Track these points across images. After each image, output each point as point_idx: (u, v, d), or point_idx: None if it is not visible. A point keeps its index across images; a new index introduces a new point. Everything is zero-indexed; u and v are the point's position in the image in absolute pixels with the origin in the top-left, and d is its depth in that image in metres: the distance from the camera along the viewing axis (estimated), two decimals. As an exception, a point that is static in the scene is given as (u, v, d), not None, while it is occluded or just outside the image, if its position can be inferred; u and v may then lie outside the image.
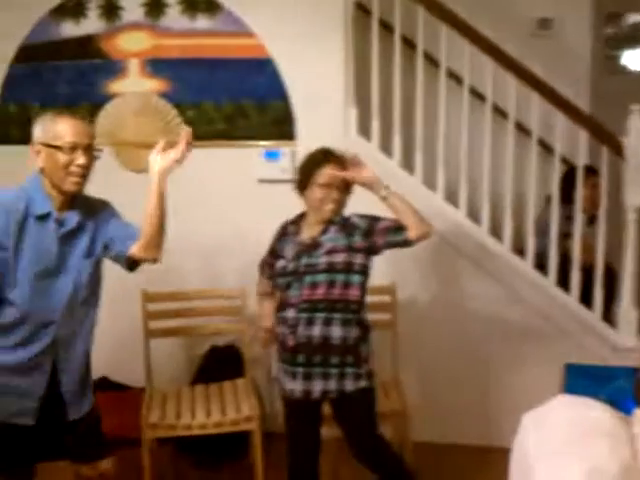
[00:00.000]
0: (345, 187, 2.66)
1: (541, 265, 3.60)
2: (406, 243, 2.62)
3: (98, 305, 2.45)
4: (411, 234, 2.57)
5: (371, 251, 2.66)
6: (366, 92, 3.65)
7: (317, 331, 2.58)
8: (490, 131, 3.58)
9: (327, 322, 2.58)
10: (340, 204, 2.67)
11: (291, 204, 3.68)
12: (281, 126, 3.67)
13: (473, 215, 3.67)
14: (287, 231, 2.78)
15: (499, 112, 3.85)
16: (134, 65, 3.77)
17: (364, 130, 3.65)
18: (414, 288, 3.63)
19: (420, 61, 3.59)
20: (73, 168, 2.22)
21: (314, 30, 3.56)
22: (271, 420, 3.56)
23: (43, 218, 2.25)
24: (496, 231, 3.67)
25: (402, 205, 2.59)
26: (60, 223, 2.28)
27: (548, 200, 3.80)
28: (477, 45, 3.48)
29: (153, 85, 3.78)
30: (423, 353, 3.69)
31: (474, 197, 3.69)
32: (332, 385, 2.61)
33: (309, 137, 3.64)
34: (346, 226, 2.66)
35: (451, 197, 3.66)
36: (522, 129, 3.82)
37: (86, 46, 3.80)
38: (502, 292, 3.59)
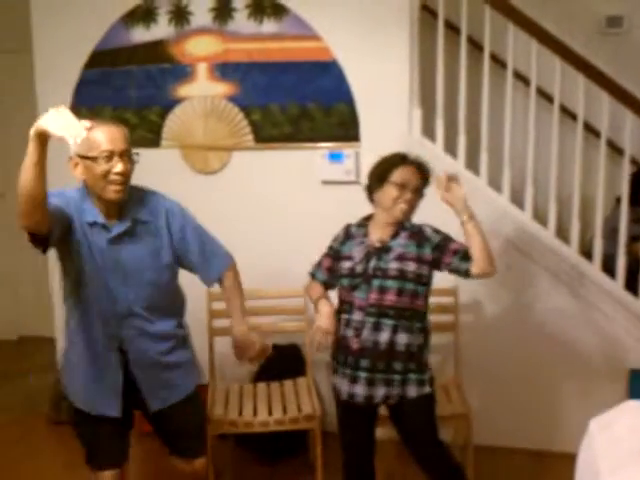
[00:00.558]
0: (418, 190, 2.64)
1: (608, 268, 3.52)
2: (466, 274, 2.60)
3: (177, 291, 2.53)
4: (475, 268, 2.56)
5: (434, 267, 2.64)
6: (430, 93, 3.64)
7: (384, 337, 2.54)
8: (557, 131, 3.52)
9: (395, 329, 2.54)
10: (412, 206, 2.65)
11: (354, 206, 3.71)
12: (345, 128, 3.69)
13: (539, 217, 3.61)
14: (351, 233, 2.74)
15: (566, 112, 3.80)
16: (202, 69, 3.85)
17: (428, 131, 3.64)
18: (476, 290, 3.59)
19: (486, 61, 3.56)
20: (112, 176, 2.21)
21: (379, 32, 3.57)
22: (329, 420, 3.57)
23: (91, 225, 2.27)
24: (562, 233, 3.61)
25: (478, 237, 2.55)
26: (108, 229, 2.29)
27: (617, 202, 3.72)
28: (545, 44, 3.42)
29: (221, 89, 3.85)
30: (484, 355, 3.64)
31: (540, 199, 3.63)
32: (395, 391, 2.58)
33: (373, 138, 3.66)
34: (417, 235, 2.63)
35: (516, 198, 3.61)
36: (590, 129, 3.74)
37: (156, 51, 3.90)
38: (566, 294, 3.53)
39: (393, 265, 2.56)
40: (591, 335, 3.52)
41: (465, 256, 2.58)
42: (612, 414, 1.95)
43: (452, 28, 3.79)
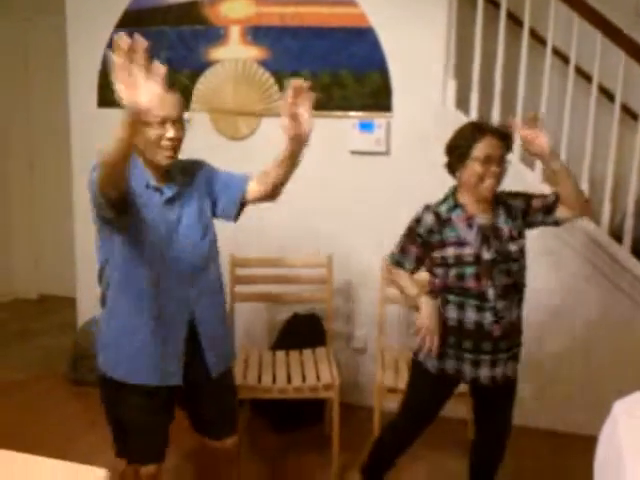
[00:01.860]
0: (503, 160, 2.45)
1: (637, 251, 3.46)
2: (556, 224, 2.54)
3: (219, 263, 2.46)
4: (570, 213, 2.49)
5: (526, 229, 2.57)
6: (466, 65, 3.57)
7: (514, 314, 2.49)
8: (594, 110, 3.45)
9: (518, 304, 2.50)
10: (499, 179, 2.46)
11: (382, 176, 3.69)
12: (377, 97, 3.63)
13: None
14: (444, 217, 2.49)
15: (603, 91, 3.72)
16: (235, 32, 3.81)
17: (462, 103, 3.58)
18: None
19: (525, 36, 3.48)
20: (164, 142, 2.20)
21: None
22: (345, 391, 3.55)
23: (147, 188, 2.25)
24: (595, 216, 3.54)
25: (570, 180, 2.45)
26: (160, 191, 2.27)
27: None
28: (586, 19, 3.34)
29: (253, 53, 3.80)
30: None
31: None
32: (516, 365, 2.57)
33: (405, 108, 3.61)
34: (508, 207, 2.53)
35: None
36: (627, 110, 3.66)
37: (189, 12, 3.85)
38: (603, 280, 3.47)
39: (512, 247, 2.46)
40: (617, 317, 3.46)
41: (548, 209, 2.51)
42: (635, 398, 1.91)
43: (491, 1, 3.71)
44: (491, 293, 2.43)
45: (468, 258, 2.44)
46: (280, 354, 3.48)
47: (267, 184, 2.41)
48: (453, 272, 2.46)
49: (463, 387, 2.69)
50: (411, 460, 2.98)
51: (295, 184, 3.71)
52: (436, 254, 2.50)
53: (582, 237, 3.44)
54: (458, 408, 2.75)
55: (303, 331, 3.72)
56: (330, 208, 3.78)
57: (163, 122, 2.18)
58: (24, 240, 5.60)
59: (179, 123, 2.23)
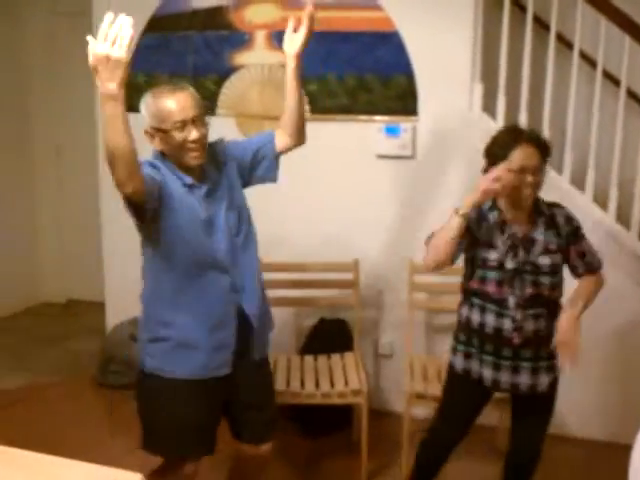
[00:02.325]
0: (540, 170, 2.38)
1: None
2: (576, 275, 2.55)
3: (257, 246, 2.47)
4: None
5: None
6: (493, 69, 3.55)
7: (542, 324, 2.44)
8: (622, 115, 3.41)
9: (549, 317, 2.45)
10: (538, 187, 2.41)
11: (408, 181, 3.68)
12: (403, 101, 3.61)
13: (597, 200, 3.51)
14: (484, 214, 2.47)
15: (631, 95, 3.69)
16: (260, 37, 3.81)
17: (489, 107, 3.56)
18: None
19: (552, 39, 3.45)
20: (189, 145, 2.19)
21: (443, 3, 3.49)
22: (372, 396, 3.54)
23: (185, 186, 2.24)
24: (621, 218, 3.50)
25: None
26: (199, 187, 2.27)
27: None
28: (614, 21, 3.31)
29: (278, 57, 3.77)
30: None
31: (601, 181, 3.52)
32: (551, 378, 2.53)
33: (431, 113, 3.59)
34: (552, 222, 2.46)
35: (576, 180, 3.51)
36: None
37: (215, 17, 3.87)
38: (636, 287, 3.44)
39: (544, 261, 2.42)
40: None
41: (573, 268, 2.53)
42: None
43: (518, 5, 3.68)
44: (511, 302, 2.41)
45: (492, 263, 2.42)
46: (308, 359, 3.48)
47: (291, 131, 2.49)
48: (478, 274, 2.46)
49: (499, 394, 2.66)
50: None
51: (321, 188, 3.76)
52: (467, 253, 2.50)
53: (612, 244, 3.41)
54: (491, 415, 2.73)
55: (330, 336, 3.71)
56: (356, 213, 3.77)
57: (183, 126, 2.17)
58: (51, 245, 5.64)
59: (200, 121, 2.21)
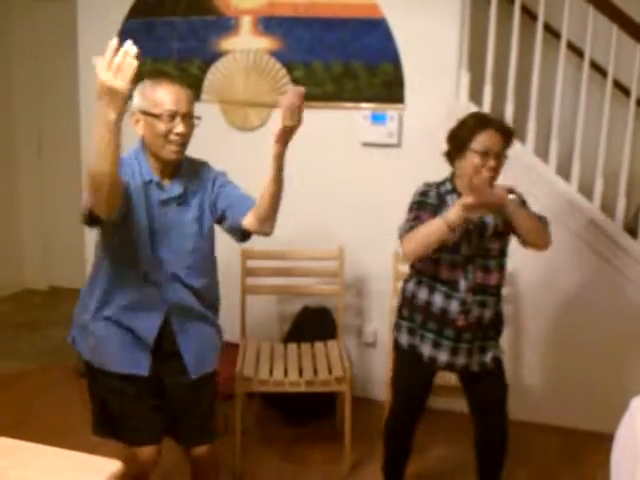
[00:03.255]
0: (502, 155, 2.44)
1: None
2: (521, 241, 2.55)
3: (214, 270, 2.43)
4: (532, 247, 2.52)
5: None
6: (479, 58, 3.54)
7: (489, 313, 2.51)
8: (609, 105, 3.41)
9: (496, 303, 2.54)
10: (498, 172, 2.45)
11: (394, 169, 3.67)
12: (390, 88, 3.60)
13: (583, 190, 3.51)
14: (443, 198, 2.51)
15: (618, 86, 3.69)
16: (246, 22, 3.78)
17: (475, 96, 3.55)
18: (534, 275, 3.53)
19: (540, 29, 3.45)
20: (172, 137, 2.17)
21: (430, -10, 3.47)
22: (356, 384, 3.54)
23: (147, 184, 2.22)
24: (606, 208, 3.51)
25: (525, 221, 2.45)
26: (162, 188, 2.24)
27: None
28: (601, 10, 3.31)
29: (264, 43, 3.77)
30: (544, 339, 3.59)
31: (587, 172, 3.53)
32: (487, 357, 2.57)
33: (418, 101, 3.58)
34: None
35: (562, 170, 3.51)
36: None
37: (199, 2, 3.83)
38: (613, 274, 3.44)
39: (494, 245, 2.48)
40: (633, 312, 3.44)
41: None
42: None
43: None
44: (462, 285, 2.47)
45: (449, 246, 2.45)
46: (292, 347, 3.47)
47: (259, 217, 2.28)
48: (438, 258, 2.49)
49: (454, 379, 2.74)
50: (417, 453, 2.95)
51: (306, 175, 3.74)
52: None
53: (596, 231, 3.41)
54: (463, 402, 2.75)
55: (314, 324, 3.71)
56: (341, 200, 3.76)
57: (173, 116, 2.16)
58: (34, 232, 5.60)
59: (188, 119, 2.21)
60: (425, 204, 2.50)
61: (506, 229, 2.50)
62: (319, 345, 3.48)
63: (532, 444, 3.41)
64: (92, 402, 2.43)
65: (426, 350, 2.56)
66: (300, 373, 3.17)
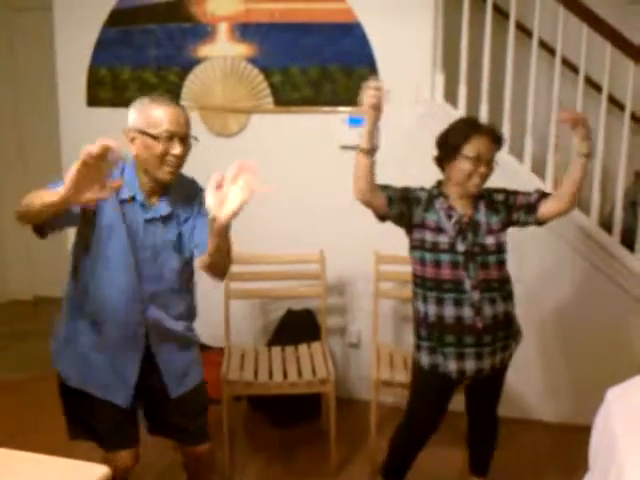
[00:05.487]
0: (492, 161, 2.48)
1: (626, 242, 3.48)
2: (538, 223, 2.57)
3: (192, 293, 2.42)
4: (557, 207, 2.52)
5: (508, 227, 2.59)
6: (454, 59, 3.59)
7: (500, 309, 2.51)
8: (582, 102, 3.46)
9: (504, 299, 2.54)
10: (486, 179, 2.49)
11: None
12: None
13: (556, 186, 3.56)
14: (433, 201, 2.54)
15: (590, 83, 3.75)
16: (223, 29, 3.81)
17: (450, 96, 3.59)
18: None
19: (512, 28, 3.49)
20: (169, 158, 2.14)
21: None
22: (340, 385, 3.58)
23: (129, 201, 2.19)
24: (583, 204, 3.57)
25: (583, 175, 2.49)
26: (147, 207, 2.22)
27: (636, 176, 3.68)
28: (572, 10, 3.36)
29: (241, 50, 3.80)
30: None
31: (561, 168, 3.58)
32: (507, 355, 2.62)
33: (394, 102, 3.58)
34: (490, 202, 2.56)
35: (537, 168, 3.57)
36: (614, 101, 3.68)
37: (176, 10, 3.85)
38: (588, 267, 3.50)
39: (490, 241, 2.50)
40: (608, 308, 3.50)
41: (530, 207, 2.54)
42: (628, 385, 1.95)
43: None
44: (467, 284, 2.47)
45: (444, 246, 2.49)
46: (276, 350, 3.51)
47: (210, 268, 2.17)
48: (430, 257, 2.51)
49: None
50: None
51: (284, 179, 3.77)
52: (415, 234, 2.55)
53: (572, 227, 3.47)
54: (458, 401, 2.78)
55: (298, 327, 3.74)
56: (320, 203, 3.79)
57: (171, 137, 2.13)
58: (17, 242, 5.57)
59: (186, 141, 2.18)
60: (410, 190, 2.56)
61: (504, 226, 2.54)
62: (303, 347, 3.51)
63: (520, 439, 3.45)
64: (64, 404, 2.44)
65: (452, 366, 2.53)
66: (285, 375, 3.21)
